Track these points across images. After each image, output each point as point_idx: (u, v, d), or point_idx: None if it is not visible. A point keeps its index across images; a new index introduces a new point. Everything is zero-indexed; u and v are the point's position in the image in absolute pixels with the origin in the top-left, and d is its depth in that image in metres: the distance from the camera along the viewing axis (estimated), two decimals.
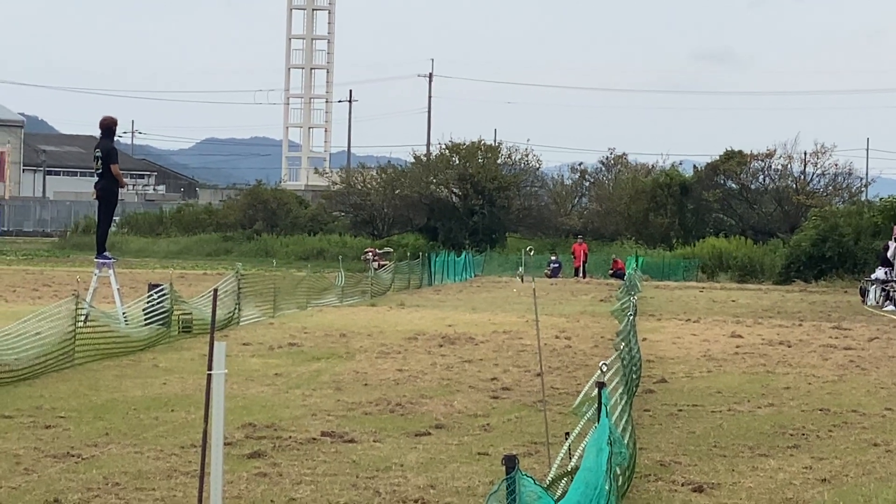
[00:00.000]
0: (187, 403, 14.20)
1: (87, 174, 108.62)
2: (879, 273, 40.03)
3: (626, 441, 9.76)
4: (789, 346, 23.08)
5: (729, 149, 71.56)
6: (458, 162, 73.90)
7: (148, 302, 21.87)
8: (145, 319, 21.38)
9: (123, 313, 21.31)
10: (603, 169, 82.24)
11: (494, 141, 77.75)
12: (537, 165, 79.03)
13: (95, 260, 23.06)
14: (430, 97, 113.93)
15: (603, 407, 8.06)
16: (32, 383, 15.69)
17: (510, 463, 5.93)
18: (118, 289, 22.25)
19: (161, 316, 21.52)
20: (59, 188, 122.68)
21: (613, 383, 11.14)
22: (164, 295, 21.84)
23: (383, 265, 46.78)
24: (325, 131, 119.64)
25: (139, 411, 13.68)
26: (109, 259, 22.64)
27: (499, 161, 74.73)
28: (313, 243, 69.98)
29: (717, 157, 71.89)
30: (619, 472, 8.71)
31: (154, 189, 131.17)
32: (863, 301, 39.96)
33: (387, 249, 57.60)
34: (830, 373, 19.02)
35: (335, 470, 10.79)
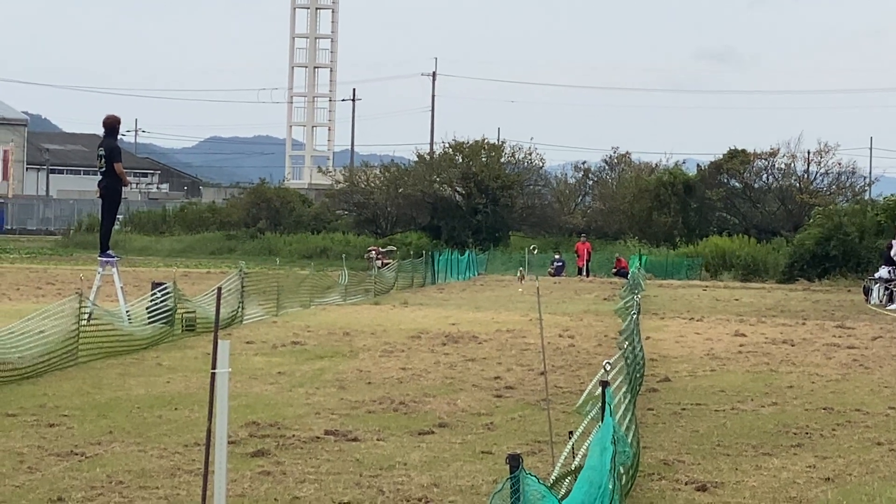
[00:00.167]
0: (191, 402, 14.21)
1: (90, 173, 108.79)
2: (883, 272, 40.01)
3: (629, 440, 9.75)
4: (793, 345, 23.08)
5: (732, 147, 71.55)
6: (461, 161, 73.89)
7: (151, 300, 21.89)
8: (149, 318, 21.39)
9: (127, 312, 21.32)
10: (606, 168, 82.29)
11: (498, 139, 77.80)
12: (541, 164, 79.13)
13: (99, 258, 23.08)
14: (433, 96, 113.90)
15: (606, 406, 8.05)
16: (36, 382, 15.71)
17: (514, 462, 5.93)
18: (121, 287, 22.26)
19: (164, 314, 21.53)
20: (62, 187, 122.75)
21: (617, 382, 11.15)
22: (167, 293, 21.86)
23: (387, 264, 46.78)
24: (329, 130, 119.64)
25: (143, 410, 13.68)
26: (113, 257, 22.65)
27: (502, 160, 74.74)
28: (317, 242, 69.98)
29: (721, 156, 71.85)
30: (622, 470, 8.71)
31: (157, 187, 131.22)
32: (866, 300, 39.95)
33: (390, 248, 57.63)
34: (834, 372, 19.01)
35: (339, 468, 10.79)
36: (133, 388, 15.43)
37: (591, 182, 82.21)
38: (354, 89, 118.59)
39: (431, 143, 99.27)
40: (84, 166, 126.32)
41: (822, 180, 71.49)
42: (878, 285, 39.58)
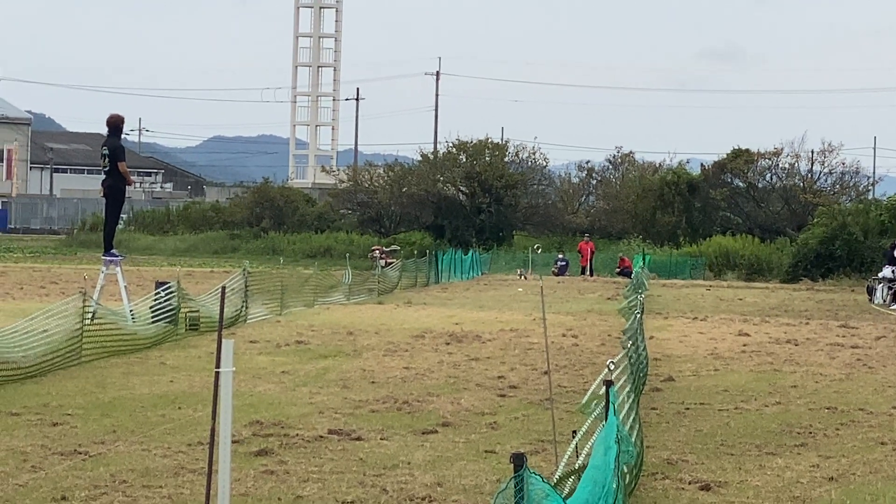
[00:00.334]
0: (194, 401, 14.21)
1: (94, 172, 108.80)
2: (886, 272, 40.01)
3: (633, 439, 9.75)
4: (796, 345, 23.07)
5: (736, 147, 71.50)
6: (465, 160, 73.92)
7: (155, 299, 21.89)
8: (152, 317, 21.39)
9: (130, 311, 21.31)
10: (610, 167, 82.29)
11: (502, 139, 77.85)
12: (544, 163, 79.14)
13: (103, 257, 23.07)
14: (437, 95, 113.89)
15: (610, 405, 8.06)
16: (40, 381, 15.71)
17: (518, 461, 5.93)
18: (125, 286, 22.25)
19: (168, 313, 21.54)
20: (66, 186, 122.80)
21: (621, 381, 11.15)
22: (171, 292, 21.86)
23: (390, 263, 46.79)
24: (333, 129, 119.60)
25: (146, 409, 13.68)
26: (117, 256, 22.66)
27: (506, 159, 74.77)
28: (320, 241, 70.00)
29: (725, 156, 71.82)
30: (626, 470, 8.70)
31: (161, 187, 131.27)
32: (870, 300, 39.95)
33: (394, 247, 57.64)
34: (837, 371, 19.01)
35: (342, 468, 10.78)
36: (137, 387, 15.43)
37: (594, 181, 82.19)
38: (358, 88, 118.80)
39: (435, 143, 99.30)
40: (88, 165, 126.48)
41: (826, 180, 71.52)
42: (881, 285, 39.57)
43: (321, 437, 12.14)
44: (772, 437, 12.92)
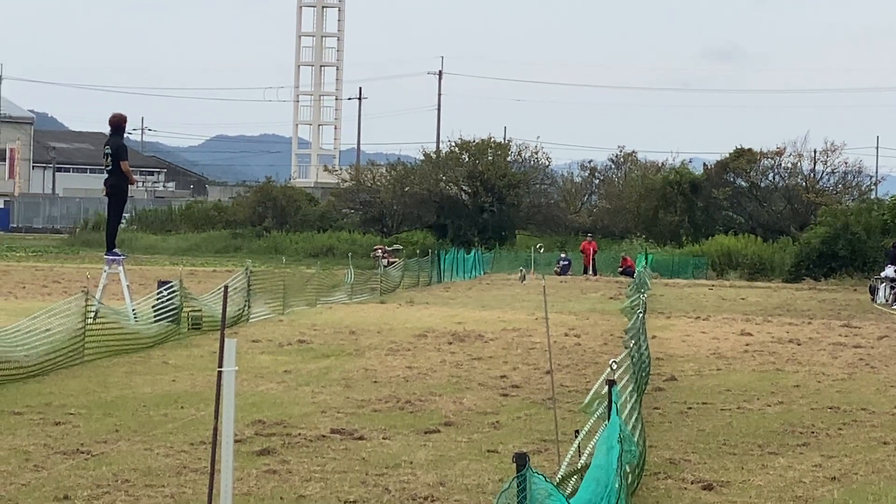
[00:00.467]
0: (197, 400, 14.21)
1: (96, 171, 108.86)
2: (889, 271, 40.01)
3: (635, 439, 9.75)
4: (799, 345, 23.06)
5: (739, 146, 71.47)
6: (467, 159, 73.91)
7: (157, 299, 21.90)
8: (155, 316, 21.40)
9: (133, 310, 21.33)
10: (613, 167, 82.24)
11: (504, 138, 77.86)
12: (547, 163, 79.07)
13: (105, 256, 23.07)
14: (439, 94, 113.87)
15: (613, 405, 8.06)
16: (42, 380, 15.72)
17: (521, 460, 5.93)
18: (128, 285, 22.26)
19: (171, 313, 21.54)
20: (68, 185, 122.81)
21: (623, 381, 11.14)
22: (173, 292, 21.86)
23: (393, 262, 46.80)
24: (335, 128, 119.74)
25: (149, 408, 13.69)
26: (119, 256, 22.66)
27: (508, 158, 74.74)
28: (323, 240, 69.99)
29: (727, 155, 71.80)
30: (628, 469, 8.70)
31: (164, 186, 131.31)
32: (872, 299, 39.94)
33: (396, 247, 57.63)
34: (840, 371, 19.00)
35: (345, 467, 10.79)
36: (139, 386, 15.44)
37: (597, 181, 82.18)
38: (361, 88, 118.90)
39: (438, 142, 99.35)
40: (90, 164, 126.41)
41: (829, 179, 71.47)
42: (884, 284, 39.57)
43: (323, 436, 12.15)
44: (774, 437, 12.92)
